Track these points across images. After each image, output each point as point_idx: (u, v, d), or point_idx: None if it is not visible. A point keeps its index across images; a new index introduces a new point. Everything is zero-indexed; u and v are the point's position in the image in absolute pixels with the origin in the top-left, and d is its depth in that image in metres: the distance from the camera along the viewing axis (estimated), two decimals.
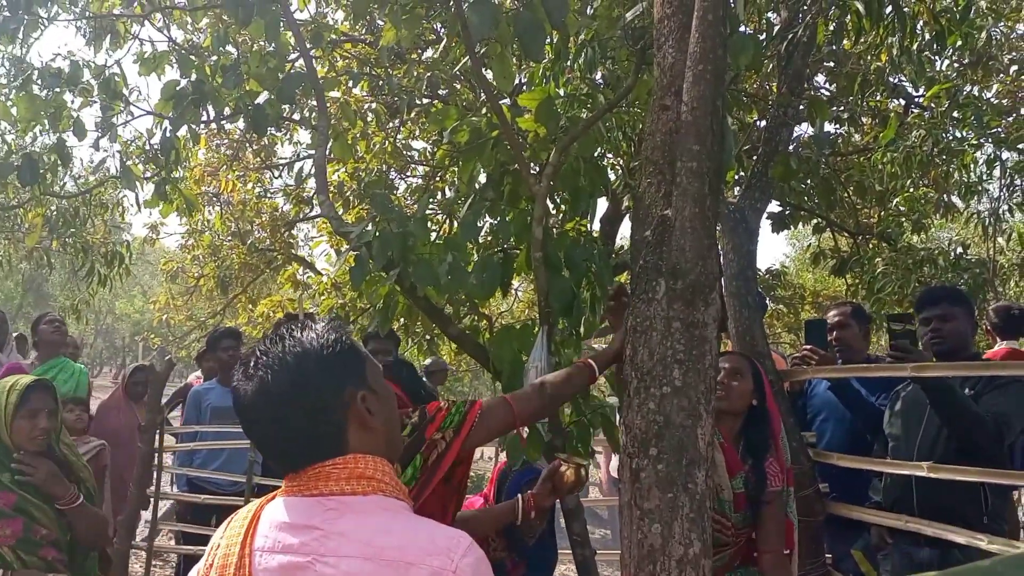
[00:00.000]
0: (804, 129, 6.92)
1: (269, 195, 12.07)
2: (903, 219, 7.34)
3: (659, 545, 2.20)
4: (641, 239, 2.46)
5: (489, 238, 3.38)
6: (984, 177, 6.60)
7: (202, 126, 4.18)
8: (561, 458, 2.74)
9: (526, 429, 3.02)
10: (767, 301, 5.50)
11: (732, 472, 3.04)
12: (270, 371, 1.39)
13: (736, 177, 5.68)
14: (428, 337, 11.01)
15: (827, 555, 3.77)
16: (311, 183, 11.76)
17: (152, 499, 4.85)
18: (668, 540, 2.20)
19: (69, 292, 13.67)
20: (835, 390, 3.84)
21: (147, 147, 5.23)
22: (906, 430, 3.39)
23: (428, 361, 9.72)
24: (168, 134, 3.89)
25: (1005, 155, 6.52)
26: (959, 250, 6.56)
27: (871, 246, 7.57)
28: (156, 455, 4.81)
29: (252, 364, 1.42)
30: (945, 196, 7.48)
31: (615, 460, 4.90)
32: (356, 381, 1.43)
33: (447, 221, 7.64)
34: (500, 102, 3.04)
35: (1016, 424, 3.13)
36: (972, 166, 6.29)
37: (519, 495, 2.82)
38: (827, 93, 6.76)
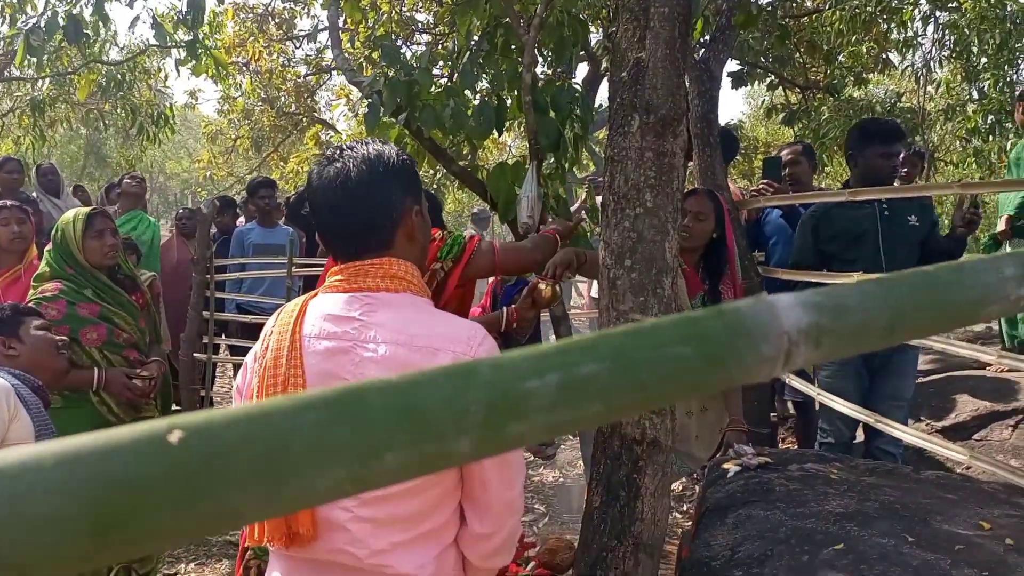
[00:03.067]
0: None
1: (292, 64, 11.72)
2: (847, 74, 7.13)
3: None
4: (618, 79, 2.36)
5: (486, 87, 3.26)
6: (919, 33, 6.36)
7: None
8: (539, 278, 2.74)
9: None
10: (738, 144, 5.36)
11: (692, 293, 3.07)
12: (353, 161, 1.36)
13: (701, 40, 5.46)
14: (435, 187, 10.93)
15: None
16: (328, 55, 11.39)
17: (208, 320, 4.91)
18: None
19: (124, 153, 13.39)
20: (787, 217, 3.78)
21: (177, 14, 4.94)
22: (851, 251, 3.28)
23: (476, 209, 10.55)
24: None
25: (938, 14, 6.27)
26: (894, 99, 6.39)
27: (817, 99, 7.39)
28: (209, 283, 4.83)
29: (337, 154, 1.39)
30: (884, 54, 7.24)
31: (595, 284, 4.93)
32: (415, 198, 1.42)
33: (449, 73, 7.42)
34: None
35: None
36: (909, 23, 6.05)
37: (504, 308, 2.84)
38: None
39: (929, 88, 6.85)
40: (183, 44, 4.54)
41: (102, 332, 2.86)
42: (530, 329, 3.00)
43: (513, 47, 3.02)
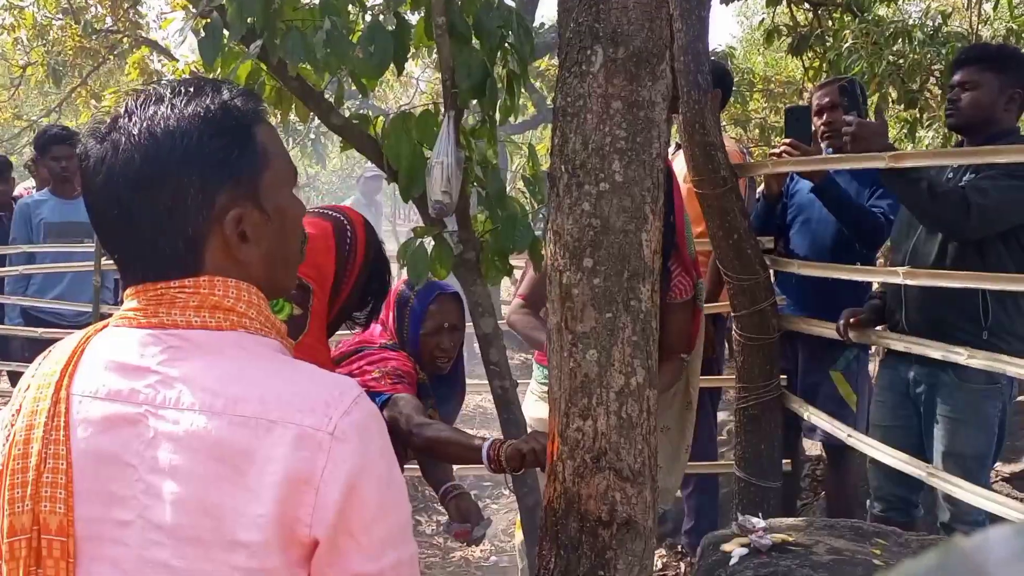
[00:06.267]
0: None
1: None
2: None
3: (595, 375, 2.09)
4: None
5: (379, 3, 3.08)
6: None
7: None
8: None
9: (432, 241, 2.86)
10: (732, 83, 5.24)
11: None
12: (125, 138, 1.16)
13: None
14: (312, 137, 10.65)
15: (783, 376, 3.77)
16: None
17: None
18: (606, 368, 2.09)
19: None
20: (816, 191, 3.57)
21: None
22: (900, 234, 3.23)
23: (368, 173, 10.28)
24: None
25: None
26: (939, 21, 6.43)
27: (834, 19, 7.42)
28: None
29: (108, 125, 1.20)
30: None
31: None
32: (237, 191, 1.18)
33: None
34: None
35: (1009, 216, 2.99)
36: None
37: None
38: None
39: (986, 6, 6.91)
40: None
41: None
42: (452, 358, 2.86)
43: None
